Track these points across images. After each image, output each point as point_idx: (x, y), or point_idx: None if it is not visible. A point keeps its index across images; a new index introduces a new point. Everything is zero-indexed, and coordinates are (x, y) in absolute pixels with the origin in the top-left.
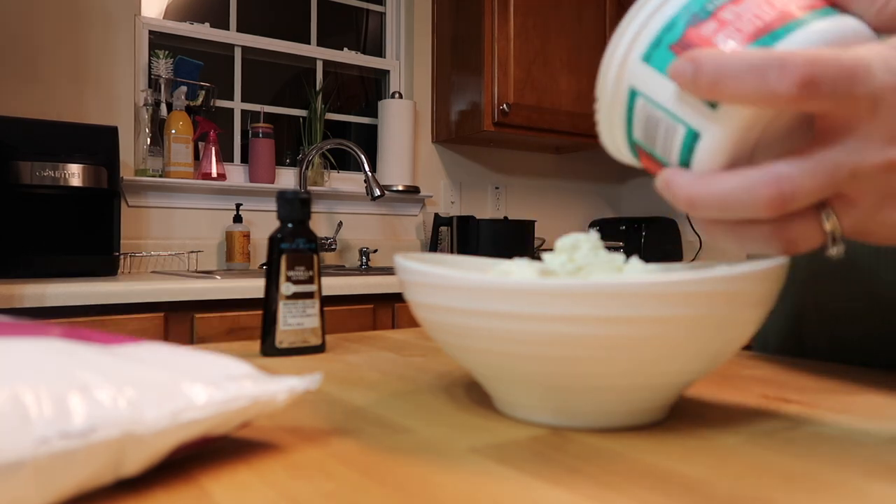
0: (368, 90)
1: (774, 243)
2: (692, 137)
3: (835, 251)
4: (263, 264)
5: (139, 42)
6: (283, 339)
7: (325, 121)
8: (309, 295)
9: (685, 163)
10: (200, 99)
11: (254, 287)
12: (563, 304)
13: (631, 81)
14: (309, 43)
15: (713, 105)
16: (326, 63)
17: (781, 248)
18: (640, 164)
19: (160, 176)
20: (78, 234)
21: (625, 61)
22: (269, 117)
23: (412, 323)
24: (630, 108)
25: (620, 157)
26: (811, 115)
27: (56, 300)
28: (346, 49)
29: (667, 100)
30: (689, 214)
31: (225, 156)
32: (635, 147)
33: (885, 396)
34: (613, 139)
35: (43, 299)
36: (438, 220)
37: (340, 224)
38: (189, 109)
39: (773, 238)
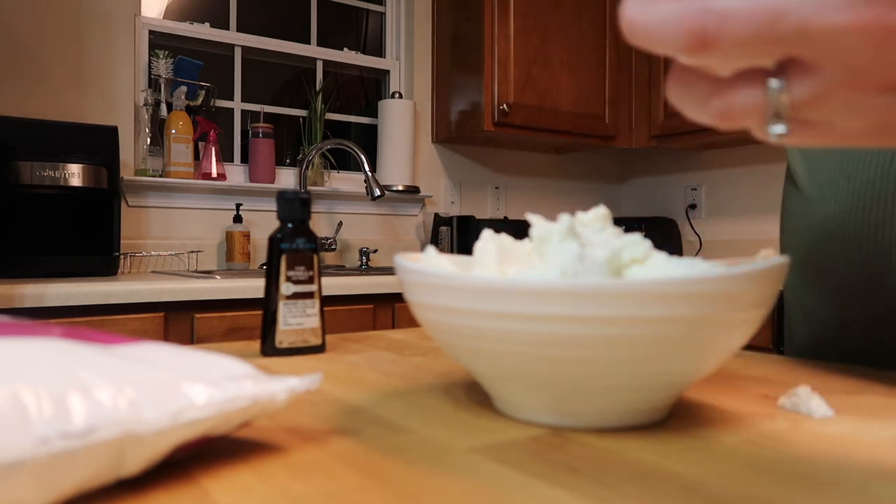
0: (368, 90)
1: (709, 108)
2: None
3: (773, 131)
4: (263, 264)
5: (139, 42)
6: (283, 339)
7: (325, 121)
8: (309, 295)
9: None
10: (200, 99)
11: (254, 287)
12: (564, 304)
13: None
14: (309, 43)
15: None
16: (326, 63)
17: (715, 113)
18: None
19: (160, 176)
20: (78, 234)
21: None
22: (269, 117)
23: (412, 323)
24: None
25: None
26: None
27: (56, 300)
28: (346, 49)
29: None
30: (630, 41)
31: (225, 156)
32: None
33: (885, 396)
34: None
35: (43, 299)
36: (438, 220)
37: (340, 224)
38: (189, 109)
39: (709, 98)
